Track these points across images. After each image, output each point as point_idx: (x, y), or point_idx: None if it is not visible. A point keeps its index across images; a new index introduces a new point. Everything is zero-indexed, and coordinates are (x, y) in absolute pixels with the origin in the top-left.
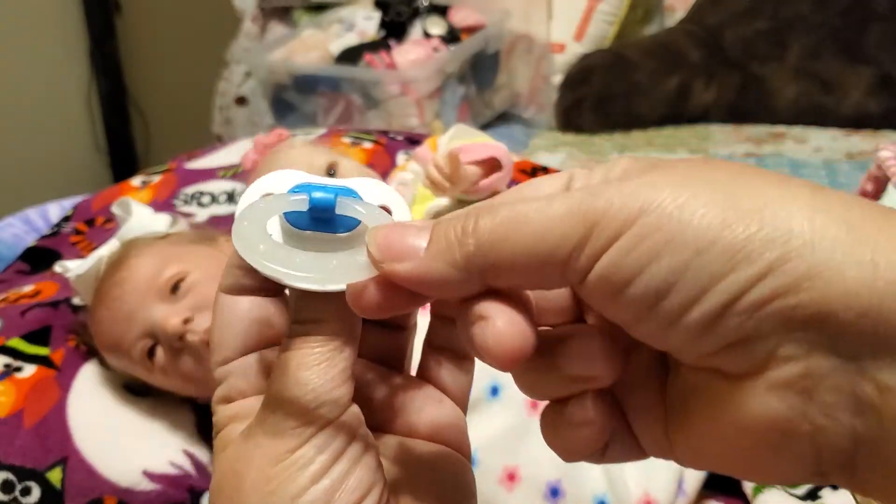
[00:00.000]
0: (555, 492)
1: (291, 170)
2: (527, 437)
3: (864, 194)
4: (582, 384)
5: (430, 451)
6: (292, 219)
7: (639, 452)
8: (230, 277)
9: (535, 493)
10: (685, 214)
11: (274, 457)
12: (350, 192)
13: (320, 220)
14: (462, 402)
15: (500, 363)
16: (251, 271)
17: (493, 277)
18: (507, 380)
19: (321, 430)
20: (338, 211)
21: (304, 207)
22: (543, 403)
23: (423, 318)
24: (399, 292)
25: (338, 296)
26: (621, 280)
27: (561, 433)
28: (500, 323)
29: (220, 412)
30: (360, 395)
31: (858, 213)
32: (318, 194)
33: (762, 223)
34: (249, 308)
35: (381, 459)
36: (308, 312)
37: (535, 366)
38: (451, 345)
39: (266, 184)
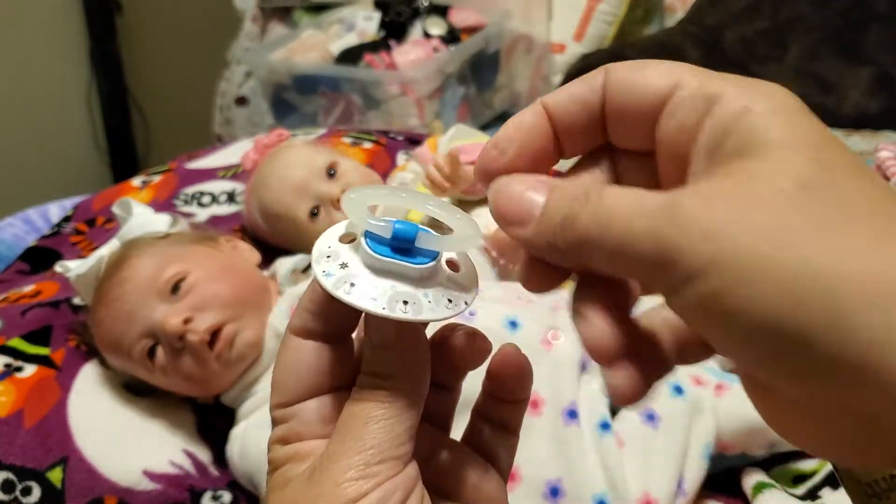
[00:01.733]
0: (554, 491)
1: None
2: (527, 437)
3: None
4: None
5: None
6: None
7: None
8: (299, 320)
9: (535, 492)
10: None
11: None
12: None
13: (401, 250)
14: (505, 473)
15: (596, 360)
16: (320, 315)
17: (588, 265)
18: None
19: (381, 485)
20: (418, 244)
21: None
22: (543, 403)
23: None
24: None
25: (411, 352)
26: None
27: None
28: (596, 322)
29: (277, 451)
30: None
31: None
32: (399, 225)
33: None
34: (313, 354)
35: None
36: (381, 367)
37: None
38: (500, 417)
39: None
